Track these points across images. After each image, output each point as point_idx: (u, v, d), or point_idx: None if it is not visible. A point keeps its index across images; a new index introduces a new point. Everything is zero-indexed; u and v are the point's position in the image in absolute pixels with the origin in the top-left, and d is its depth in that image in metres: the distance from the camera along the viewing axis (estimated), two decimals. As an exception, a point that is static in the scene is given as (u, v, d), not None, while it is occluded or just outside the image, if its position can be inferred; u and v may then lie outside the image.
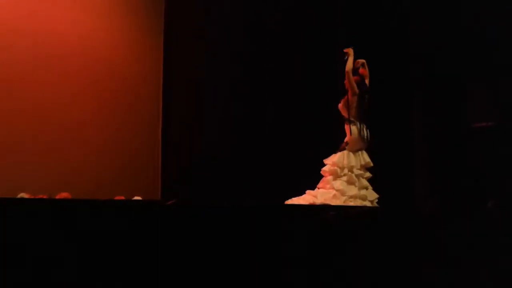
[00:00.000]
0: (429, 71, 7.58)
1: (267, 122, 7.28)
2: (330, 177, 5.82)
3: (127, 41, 6.98)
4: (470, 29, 7.19)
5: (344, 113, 5.99)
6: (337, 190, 5.70)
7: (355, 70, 5.99)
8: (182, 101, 7.09)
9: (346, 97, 5.99)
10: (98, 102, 6.73)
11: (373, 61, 7.01)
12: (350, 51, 5.92)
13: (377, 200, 5.88)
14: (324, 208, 4.94)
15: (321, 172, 5.93)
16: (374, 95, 6.07)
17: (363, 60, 6.05)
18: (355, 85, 5.92)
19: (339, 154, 5.87)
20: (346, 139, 5.92)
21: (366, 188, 5.88)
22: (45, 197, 5.33)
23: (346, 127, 5.96)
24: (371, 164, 5.93)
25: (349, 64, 5.89)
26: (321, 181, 5.91)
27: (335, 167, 5.81)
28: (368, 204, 5.75)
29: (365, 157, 5.92)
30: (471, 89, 7.45)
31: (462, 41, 7.26)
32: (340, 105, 6.05)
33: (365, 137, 5.93)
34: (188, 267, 3.73)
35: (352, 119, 5.93)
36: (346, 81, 5.95)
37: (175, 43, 7.13)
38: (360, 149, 5.94)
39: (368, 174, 5.93)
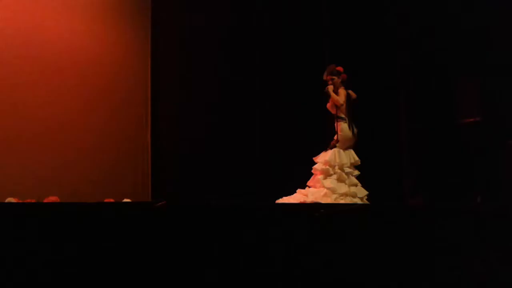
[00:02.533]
0: (415, 67, 7.61)
1: (256, 122, 7.27)
2: (321, 176, 5.82)
3: (114, 42, 6.94)
4: (457, 26, 7.23)
5: (334, 111, 6.00)
6: (327, 189, 5.71)
7: (333, 71, 6.04)
8: (171, 101, 7.06)
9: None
10: (86, 105, 6.68)
11: (359, 57, 7.06)
12: (330, 88, 5.97)
13: (366, 197, 5.89)
14: (315, 207, 4.94)
15: (313, 170, 5.92)
16: (360, 93, 6.11)
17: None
18: (344, 94, 5.97)
19: (330, 152, 5.87)
20: (336, 137, 5.93)
21: (356, 185, 5.89)
22: (33, 201, 5.29)
23: (336, 125, 5.96)
24: (359, 162, 5.95)
25: (336, 99, 5.93)
26: (311, 179, 5.92)
27: (327, 166, 5.81)
28: (358, 201, 5.76)
29: (354, 155, 5.95)
30: (458, 85, 7.48)
31: (449, 37, 7.29)
32: (329, 104, 6.06)
33: (355, 135, 5.96)
34: (178, 268, 3.71)
35: (343, 116, 5.95)
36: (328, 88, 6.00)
37: (163, 43, 7.11)
38: (350, 147, 5.96)
39: (356, 172, 5.95)
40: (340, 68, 6.08)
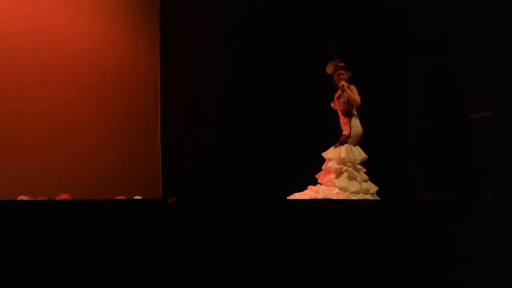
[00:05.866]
0: (424, 61, 7.57)
1: (266, 119, 7.26)
2: (333, 175, 5.77)
3: (124, 41, 6.96)
4: (464, 20, 7.19)
5: (345, 107, 5.94)
6: (339, 188, 5.66)
7: (338, 67, 6.02)
8: (181, 99, 7.07)
9: (341, 92, 5.98)
10: (97, 103, 6.72)
11: (367, 53, 7.02)
12: (345, 85, 5.93)
13: (375, 193, 5.86)
14: (328, 202, 4.92)
15: (324, 168, 5.88)
16: (369, 87, 6.09)
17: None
18: (356, 91, 5.93)
19: (343, 149, 5.81)
20: (345, 133, 5.89)
21: (366, 181, 5.86)
22: (45, 199, 5.31)
23: (345, 121, 5.92)
24: (367, 158, 5.92)
25: (353, 97, 5.89)
26: (322, 176, 5.89)
27: (341, 164, 5.76)
28: (370, 197, 5.73)
29: (361, 152, 5.92)
30: (467, 79, 7.45)
31: (457, 31, 7.26)
32: (340, 100, 6.00)
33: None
34: (189, 266, 3.71)
35: (355, 112, 5.92)
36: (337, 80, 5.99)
37: (172, 42, 7.11)
38: (357, 143, 5.93)
39: (364, 168, 5.92)
40: (342, 64, 6.05)
